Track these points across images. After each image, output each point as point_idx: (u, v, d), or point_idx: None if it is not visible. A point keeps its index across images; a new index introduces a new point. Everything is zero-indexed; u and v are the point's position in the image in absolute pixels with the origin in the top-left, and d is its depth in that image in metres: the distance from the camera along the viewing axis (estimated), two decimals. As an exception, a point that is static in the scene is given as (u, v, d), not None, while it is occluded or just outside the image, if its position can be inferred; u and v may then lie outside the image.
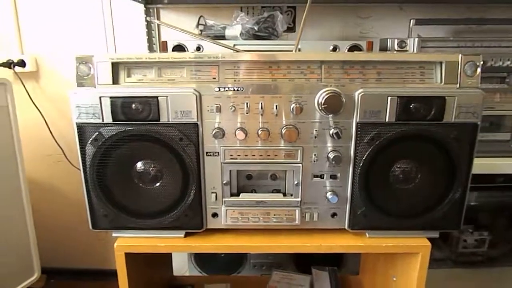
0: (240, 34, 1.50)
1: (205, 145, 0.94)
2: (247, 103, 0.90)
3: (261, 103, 0.90)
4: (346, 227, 0.98)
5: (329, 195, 0.94)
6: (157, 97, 0.89)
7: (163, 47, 1.58)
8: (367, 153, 0.91)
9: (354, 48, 1.55)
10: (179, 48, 1.54)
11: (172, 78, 0.91)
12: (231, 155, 0.94)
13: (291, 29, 1.89)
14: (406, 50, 1.64)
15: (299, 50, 1.56)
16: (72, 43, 1.91)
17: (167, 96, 0.89)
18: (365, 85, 0.90)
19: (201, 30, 1.57)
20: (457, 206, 0.93)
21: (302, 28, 1.01)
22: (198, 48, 1.49)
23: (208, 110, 0.91)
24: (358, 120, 0.90)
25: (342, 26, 1.93)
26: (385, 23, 1.94)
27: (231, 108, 0.91)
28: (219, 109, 0.91)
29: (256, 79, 0.90)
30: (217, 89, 0.90)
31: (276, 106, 0.91)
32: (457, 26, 1.97)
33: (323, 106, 0.87)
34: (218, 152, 0.94)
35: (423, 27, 1.70)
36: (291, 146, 0.93)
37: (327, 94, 0.88)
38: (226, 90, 0.90)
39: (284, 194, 0.98)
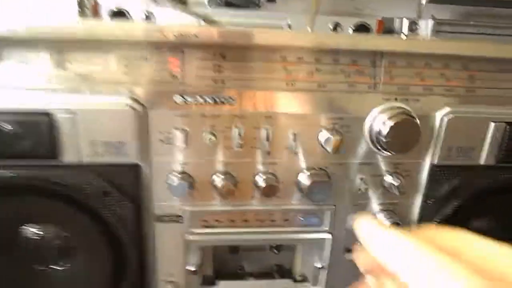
0: (208, 1, 1.02)
1: (155, 204, 0.49)
2: (239, 129, 0.47)
3: (266, 130, 0.47)
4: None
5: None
6: (49, 113, 0.42)
7: (95, 12, 1.05)
8: (443, 216, 0.52)
9: (361, 28, 1.14)
10: (119, 14, 1.01)
11: (87, 72, 0.44)
12: (205, 221, 0.51)
13: (270, -2, 1.44)
14: (418, 35, 1.24)
15: (289, 27, 1.11)
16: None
17: (73, 113, 0.43)
18: (450, 100, 0.50)
19: (149, -10, 1.06)
20: None
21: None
22: (147, 17, 0.98)
23: (161, 140, 0.46)
24: (436, 162, 0.51)
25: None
26: (386, -1, 1.54)
27: (207, 137, 0.46)
28: (184, 139, 0.46)
29: (258, 82, 0.46)
30: (181, 99, 0.45)
31: (294, 134, 0.48)
32: (466, 8, 1.61)
33: (385, 138, 0.46)
34: (180, 217, 0.50)
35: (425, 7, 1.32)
36: (315, 205, 0.51)
37: (393, 117, 0.46)
38: (199, 102, 0.45)
39: (295, 280, 0.57)
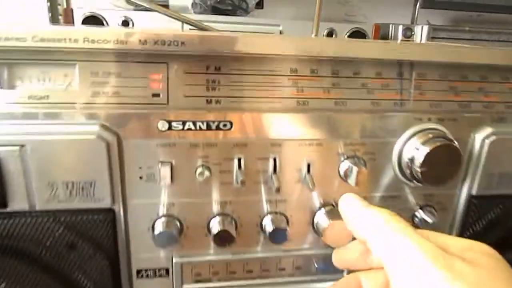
0: (192, 5, 0.94)
1: (134, 257, 0.39)
2: (239, 160, 0.37)
3: (273, 160, 0.38)
4: None
5: None
6: (-12, 149, 0.32)
7: (67, 17, 0.95)
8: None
9: (356, 34, 1.08)
10: (94, 20, 0.91)
11: (42, 92, 0.34)
12: (198, 275, 0.41)
13: (258, 4, 1.36)
14: (413, 41, 1.18)
15: (281, 33, 1.04)
16: None
17: (22, 146, 0.32)
18: (489, 118, 0.42)
19: (129, -6, 0.95)
20: None
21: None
22: (125, 23, 0.89)
23: (140, 178, 0.36)
24: (474, 192, 0.42)
25: (323, 4, 1.44)
26: (376, 4, 1.48)
27: (200, 171, 0.36)
28: (170, 174, 0.36)
29: (262, 101, 0.37)
30: (165, 125, 0.35)
31: (307, 165, 0.39)
32: (457, 14, 1.57)
33: (419, 168, 0.37)
34: (167, 270, 0.40)
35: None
36: (333, 248, 0.41)
37: (428, 141, 0.38)
38: (188, 129, 0.35)
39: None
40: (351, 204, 0.33)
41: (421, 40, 1.09)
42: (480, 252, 0.27)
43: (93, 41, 0.32)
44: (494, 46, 1.11)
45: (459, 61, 0.39)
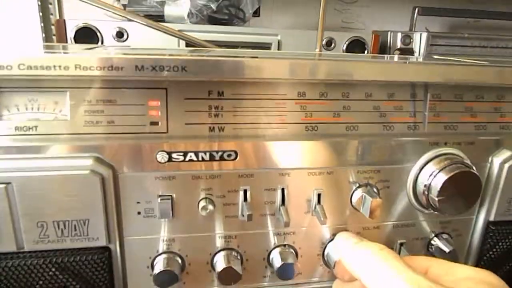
0: (188, 15, 0.91)
1: (131, 297, 0.36)
2: (244, 191, 0.34)
3: (281, 191, 0.35)
4: None
5: None
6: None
7: (59, 29, 0.92)
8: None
9: (356, 43, 1.06)
10: (87, 32, 0.89)
11: (30, 122, 0.31)
12: (201, 314, 0.38)
13: (254, 12, 1.33)
14: (411, 49, 1.18)
15: (279, 44, 1.03)
16: None
17: (7, 183, 0.29)
18: (506, 140, 0.39)
19: (124, 5, 0.92)
20: None
21: None
22: (120, 34, 0.86)
23: (138, 213, 0.33)
24: (492, 217, 0.40)
25: (319, 12, 1.42)
26: (374, 11, 1.47)
27: (202, 205, 0.34)
28: (170, 209, 0.33)
29: (268, 127, 0.34)
30: (165, 156, 0.32)
31: (318, 195, 0.36)
32: (454, 21, 1.57)
33: (437, 196, 0.35)
34: (167, 310, 0.37)
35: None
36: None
37: (446, 168, 0.35)
38: (190, 160, 0.33)
39: None
40: (343, 244, 0.35)
41: (420, 47, 1.08)
42: (481, 282, 0.27)
43: (85, 68, 0.29)
44: (493, 53, 1.11)
45: (477, 81, 0.37)
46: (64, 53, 0.36)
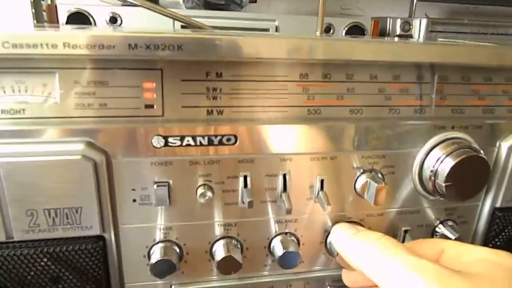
0: (184, 0, 0.89)
1: (127, 287, 0.35)
2: (245, 177, 0.33)
3: (283, 177, 0.34)
4: None
5: None
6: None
7: (50, 14, 0.88)
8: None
9: (355, 29, 1.04)
10: (80, 17, 0.85)
11: (17, 105, 0.29)
12: (201, 304, 0.37)
13: (251, -3, 1.31)
14: (411, 35, 1.16)
15: (277, 29, 0.99)
16: None
17: (-6, 170, 0.28)
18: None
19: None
20: None
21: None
22: (113, 19, 0.83)
23: (134, 200, 0.32)
24: (498, 204, 0.39)
25: (317, -1, 1.40)
26: (373, -3, 1.44)
27: (201, 192, 0.32)
28: (167, 196, 0.32)
29: (269, 110, 0.33)
30: (161, 140, 0.31)
31: (321, 181, 0.35)
32: (453, 7, 1.55)
33: (444, 182, 0.34)
34: (164, 300, 0.36)
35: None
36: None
37: (453, 153, 0.34)
38: (187, 144, 0.31)
39: None
40: (340, 236, 0.34)
41: (419, 34, 1.06)
42: (497, 265, 0.25)
43: (74, 47, 0.27)
44: (492, 39, 1.09)
45: (485, 62, 0.35)
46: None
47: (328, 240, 0.37)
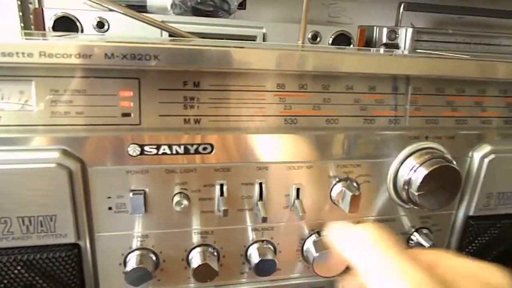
0: (172, 6, 0.89)
1: (103, 295, 0.35)
2: (221, 186, 0.33)
3: (259, 185, 0.34)
4: None
5: None
6: None
7: (37, 18, 0.88)
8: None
9: (341, 37, 1.05)
10: (66, 22, 0.85)
11: (-9, 113, 0.29)
12: (177, 311, 0.37)
13: (240, 5, 1.31)
14: (397, 44, 1.17)
15: (264, 37, 1.00)
16: None
17: (-34, 178, 0.28)
18: (487, 135, 0.39)
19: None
20: None
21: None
22: (100, 24, 0.83)
23: (109, 208, 0.32)
24: (471, 212, 0.40)
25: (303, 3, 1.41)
26: (360, 5, 1.46)
27: (174, 202, 0.33)
28: (141, 204, 0.32)
29: (245, 120, 0.33)
30: (137, 149, 0.31)
31: (297, 189, 0.35)
32: (439, 17, 1.58)
33: (417, 191, 0.34)
34: (141, 309, 0.36)
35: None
36: (324, 277, 0.38)
37: (426, 162, 0.35)
38: (163, 153, 0.31)
39: None
40: (337, 226, 0.31)
41: (405, 43, 1.08)
42: (478, 281, 0.25)
43: (50, 55, 0.28)
44: (476, 50, 1.11)
45: (458, 74, 0.36)
46: (29, 39, 0.34)
47: (304, 248, 0.37)
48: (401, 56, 0.39)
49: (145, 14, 0.73)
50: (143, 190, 0.32)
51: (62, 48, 0.28)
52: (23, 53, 0.27)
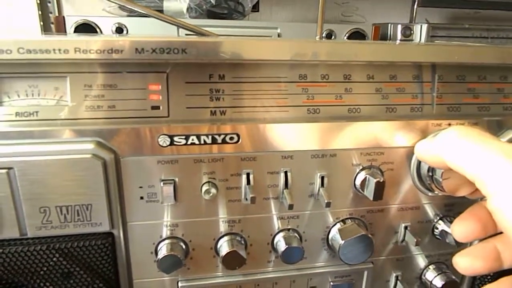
0: (188, 10, 0.90)
1: (136, 283, 0.36)
2: (247, 175, 0.34)
3: (284, 174, 0.35)
4: None
5: None
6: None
7: (58, 26, 0.91)
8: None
9: (356, 35, 1.05)
10: (87, 29, 0.87)
11: (30, 108, 0.31)
12: (206, 299, 0.38)
13: (253, 7, 1.33)
14: (412, 41, 1.16)
15: (279, 37, 1.01)
16: None
17: (9, 168, 0.29)
18: (509, 123, 0.39)
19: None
20: None
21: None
22: (119, 30, 0.85)
23: (141, 198, 0.33)
24: (497, 200, 0.40)
25: (319, 5, 1.42)
26: (374, 3, 1.46)
27: (205, 189, 0.34)
28: (173, 193, 0.33)
29: (270, 110, 0.34)
30: (167, 140, 0.32)
31: (321, 178, 0.36)
32: (454, 12, 1.56)
33: (441, 177, 0.35)
34: (171, 296, 0.37)
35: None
36: (349, 265, 0.39)
37: (450, 148, 0.35)
38: (192, 143, 0.33)
39: None
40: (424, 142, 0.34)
41: (420, 39, 1.07)
42: None
43: (85, 51, 0.29)
44: (494, 44, 1.10)
45: (480, 61, 0.37)
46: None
47: (329, 236, 0.38)
48: (424, 44, 0.39)
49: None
50: (173, 179, 0.33)
51: (97, 44, 0.29)
52: (59, 50, 0.29)
